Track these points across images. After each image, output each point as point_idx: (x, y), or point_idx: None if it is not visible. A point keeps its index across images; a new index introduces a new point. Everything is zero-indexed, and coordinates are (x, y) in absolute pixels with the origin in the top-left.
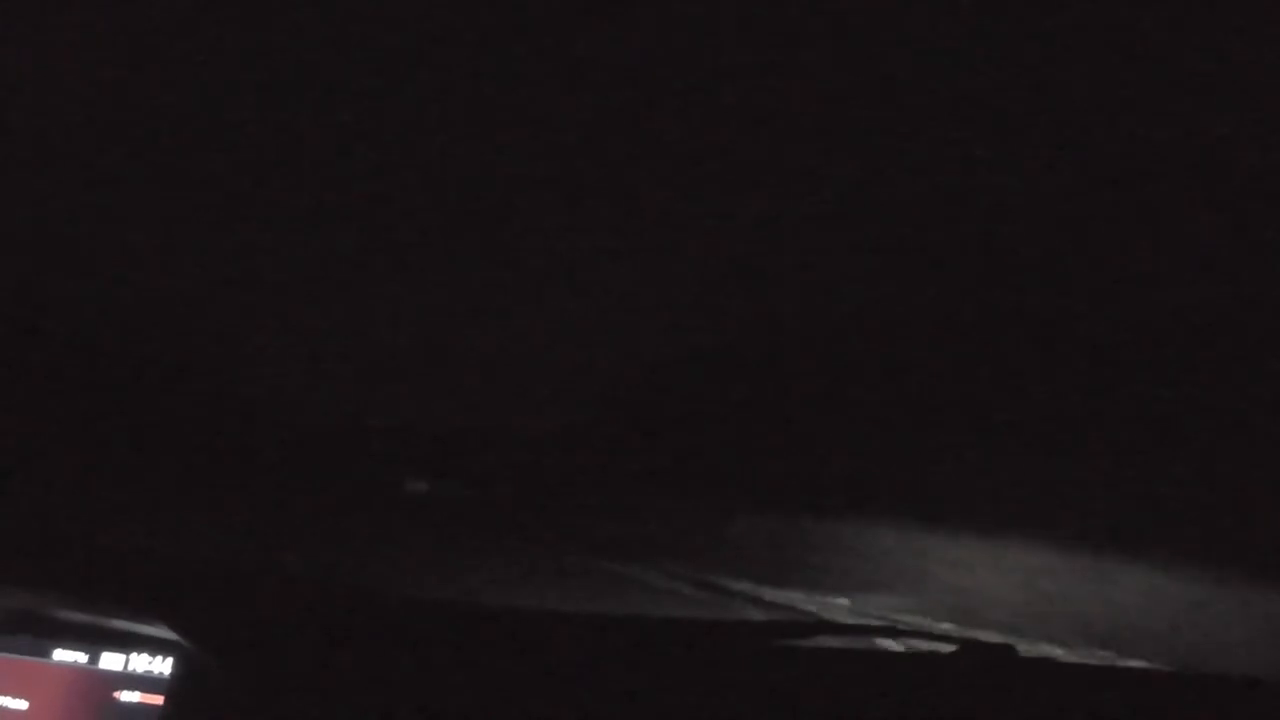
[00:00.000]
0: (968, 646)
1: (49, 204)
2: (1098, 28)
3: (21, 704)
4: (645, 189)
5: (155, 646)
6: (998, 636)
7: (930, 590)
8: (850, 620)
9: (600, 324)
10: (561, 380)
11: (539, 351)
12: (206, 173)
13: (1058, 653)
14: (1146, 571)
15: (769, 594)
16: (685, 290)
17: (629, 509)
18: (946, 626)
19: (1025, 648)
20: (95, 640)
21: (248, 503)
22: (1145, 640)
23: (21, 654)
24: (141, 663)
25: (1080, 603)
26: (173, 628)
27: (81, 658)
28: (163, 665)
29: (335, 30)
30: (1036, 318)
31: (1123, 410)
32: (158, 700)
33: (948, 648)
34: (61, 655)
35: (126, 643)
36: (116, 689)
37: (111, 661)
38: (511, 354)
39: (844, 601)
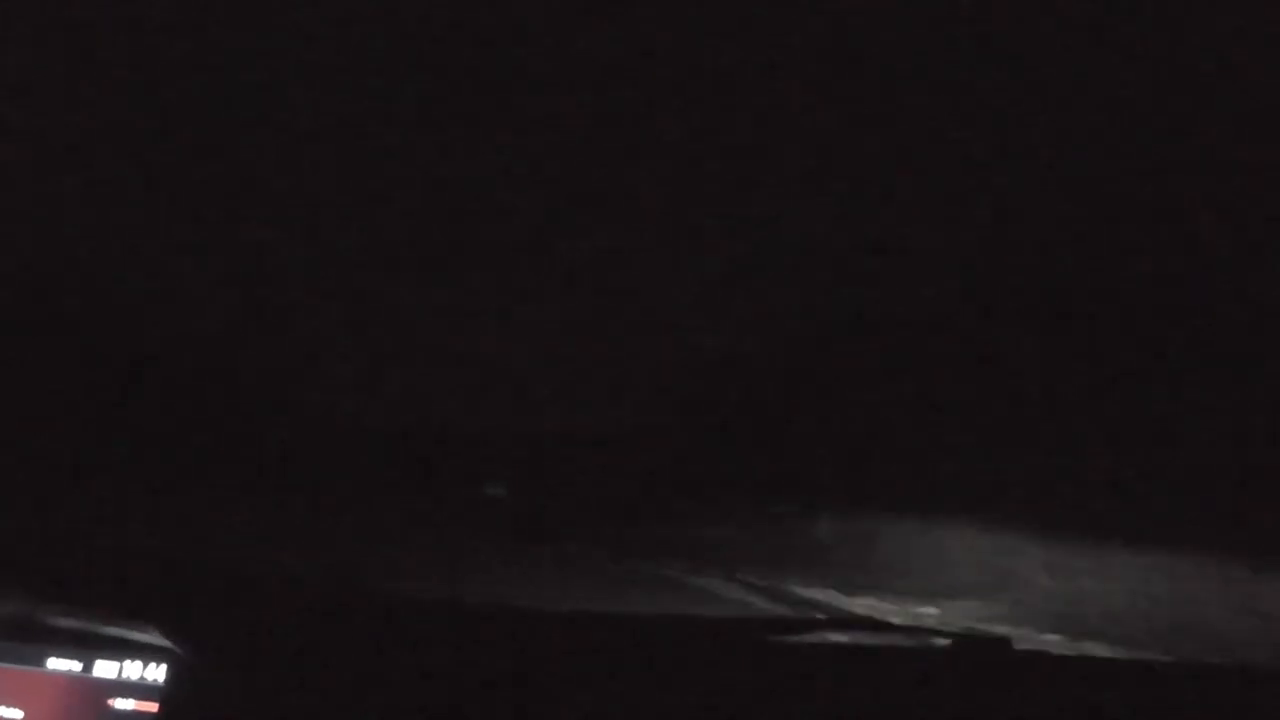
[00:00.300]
0: (963, 642)
1: (48, 202)
2: (1098, 28)
3: (16, 713)
4: (684, 190)
5: (149, 653)
6: (1106, 647)
7: (1029, 597)
8: (905, 622)
9: (642, 324)
10: (589, 382)
11: (547, 352)
12: (208, 172)
13: (1166, 659)
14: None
15: (849, 603)
16: (730, 290)
17: (697, 513)
18: (862, 602)
19: (1134, 657)
20: (89, 647)
21: (243, 505)
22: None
23: (14, 663)
24: (135, 670)
25: (1194, 608)
26: (166, 634)
27: (75, 666)
28: (157, 672)
29: (347, 30)
30: (1141, 315)
31: (1220, 412)
32: (152, 707)
33: (942, 642)
34: (55, 663)
35: (120, 650)
36: (111, 696)
37: (105, 669)
38: (513, 353)
39: (932, 610)
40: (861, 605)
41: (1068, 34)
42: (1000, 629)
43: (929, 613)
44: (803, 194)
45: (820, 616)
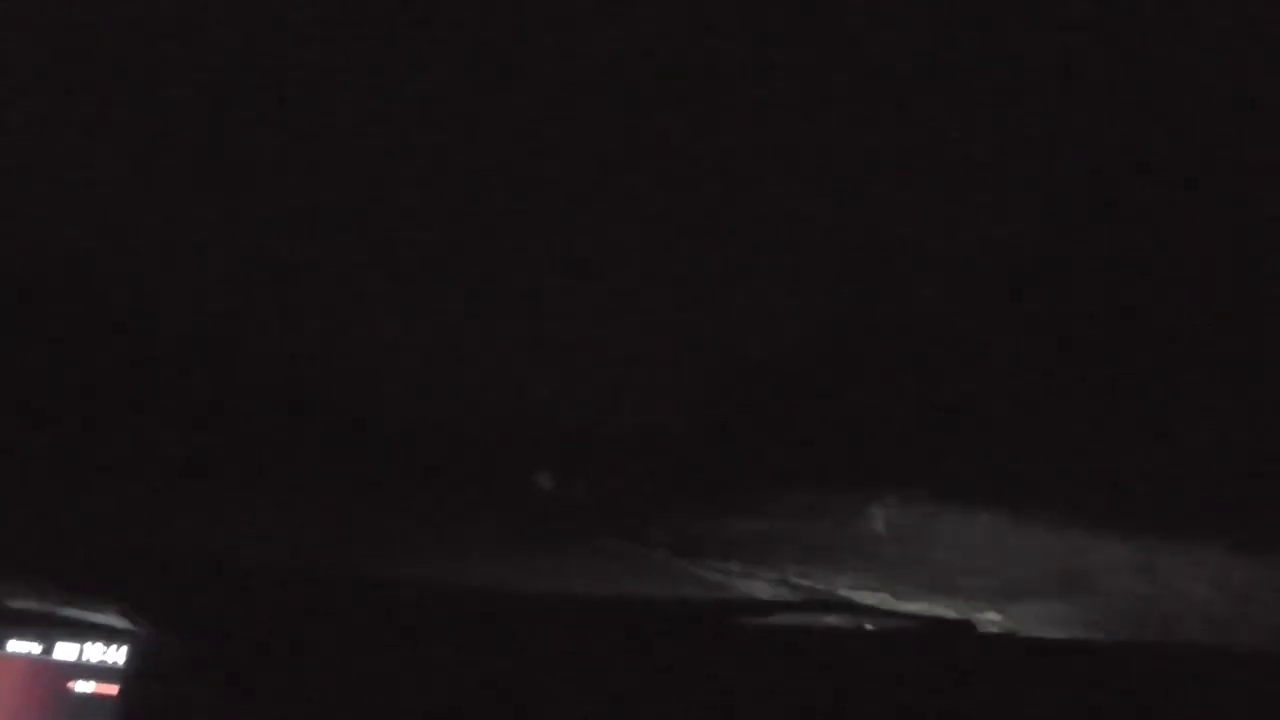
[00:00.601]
0: (929, 624)
1: (49, 202)
2: (1099, 29)
3: None
4: (739, 188)
5: (109, 635)
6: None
7: (1108, 597)
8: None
9: (672, 321)
10: (618, 377)
11: (555, 349)
12: (210, 172)
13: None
14: None
15: (902, 606)
16: (782, 288)
17: (743, 508)
18: (915, 606)
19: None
20: (49, 630)
21: (221, 493)
22: None
23: None
24: (96, 652)
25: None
26: (128, 616)
27: (35, 648)
28: (117, 654)
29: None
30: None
31: None
32: (112, 689)
33: (909, 624)
34: (15, 646)
35: (81, 632)
36: (71, 679)
37: (66, 651)
38: (517, 350)
39: (994, 615)
40: (917, 609)
41: (1070, 35)
42: (1076, 633)
43: (991, 618)
44: (832, 194)
45: (791, 599)
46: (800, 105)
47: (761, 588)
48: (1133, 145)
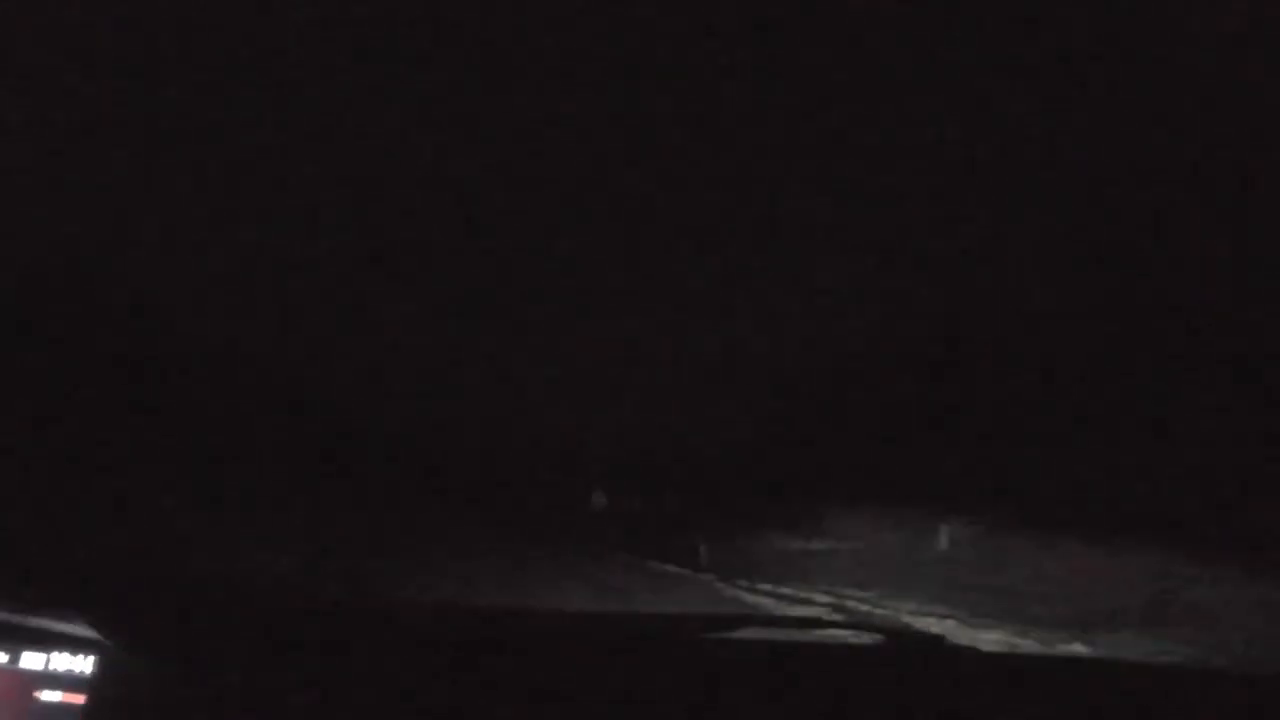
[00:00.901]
0: (896, 634)
1: (45, 198)
2: (1099, 29)
3: None
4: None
5: (77, 645)
6: None
7: (1211, 631)
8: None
9: (738, 327)
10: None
11: (564, 354)
12: (213, 169)
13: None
14: None
15: (977, 637)
16: (837, 292)
17: (798, 525)
18: (990, 635)
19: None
20: (16, 639)
21: (192, 504)
22: None
23: None
24: (63, 661)
25: None
26: (95, 626)
27: (2, 657)
28: (84, 664)
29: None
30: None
31: None
32: (79, 699)
33: (876, 638)
34: None
35: (48, 641)
36: (38, 688)
37: (32, 660)
38: (520, 355)
39: (1082, 649)
40: (991, 641)
41: (1070, 35)
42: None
43: (1077, 650)
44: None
45: (755, 613)
46: (892, 110)
47: (820, 612)
48: (1133, 145)
